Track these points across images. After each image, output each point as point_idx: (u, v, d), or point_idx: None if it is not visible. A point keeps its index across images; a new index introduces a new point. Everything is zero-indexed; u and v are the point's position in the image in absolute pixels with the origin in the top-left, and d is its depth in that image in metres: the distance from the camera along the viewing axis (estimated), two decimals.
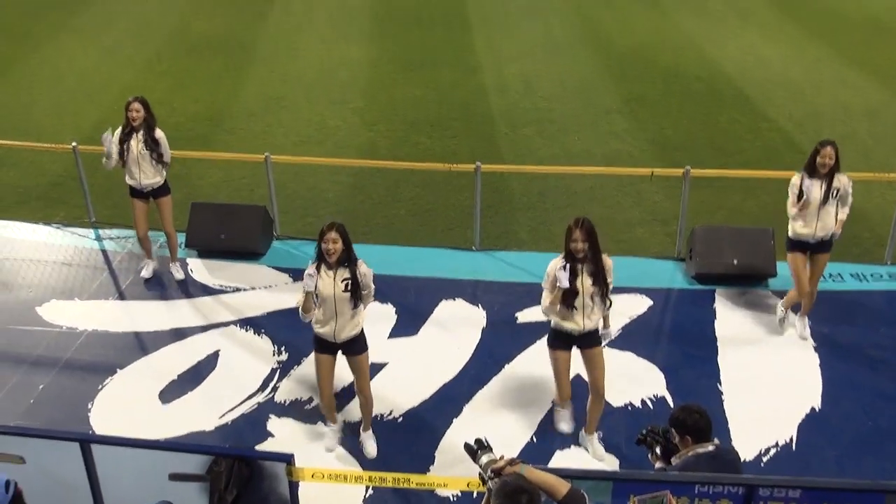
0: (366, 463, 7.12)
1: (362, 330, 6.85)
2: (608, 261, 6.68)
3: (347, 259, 6.56)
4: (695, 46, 17.37)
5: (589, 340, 6.82)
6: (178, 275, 9.63)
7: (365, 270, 6.64)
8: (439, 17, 19.53)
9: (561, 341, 6.84)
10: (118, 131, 9.02)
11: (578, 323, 6.66)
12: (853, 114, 14.06)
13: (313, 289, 6.57)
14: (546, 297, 6.69)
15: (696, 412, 5.10)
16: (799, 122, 13.74)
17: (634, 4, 20.46)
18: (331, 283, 6.55)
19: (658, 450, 5.29)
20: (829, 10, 19.95)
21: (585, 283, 6.54)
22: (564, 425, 7.33)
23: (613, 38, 17.94)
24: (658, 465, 5.31)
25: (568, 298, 6.55)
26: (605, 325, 6.97)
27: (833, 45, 17.43)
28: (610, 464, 7.10)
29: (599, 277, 6.56)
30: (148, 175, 9.03)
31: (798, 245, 8.25)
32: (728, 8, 20.10)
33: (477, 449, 4.61)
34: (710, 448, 5.05)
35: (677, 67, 16.20)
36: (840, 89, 15.11)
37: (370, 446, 7.22)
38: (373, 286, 6.76)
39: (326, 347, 6.84)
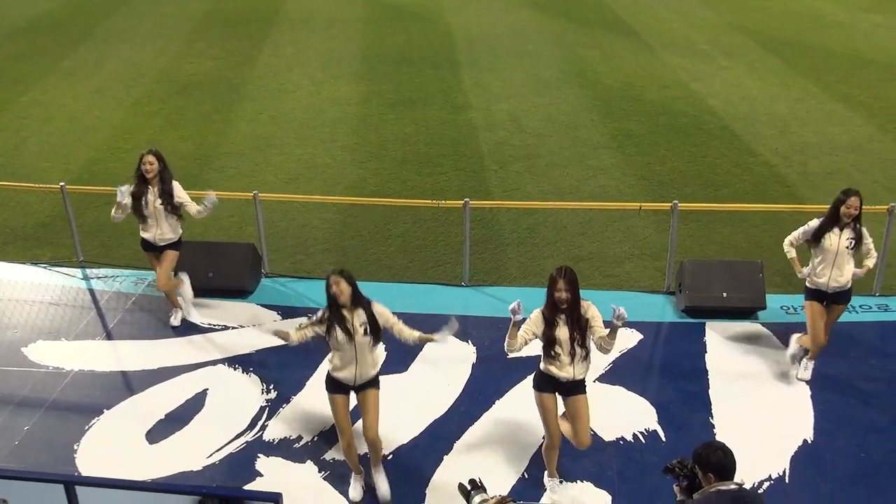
0: (355, 502, 7.03)
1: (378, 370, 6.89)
2: (594, 309, 6.60)
3: (359, 302, 6.59)
4: (681, 83, 17.54)
5: (573, 388, 6.71)
6: (174, 321, 9.49)
7: (380, 310, 6.71)
8: (428, 57, 19.70)
9: (547, 384, 6.73)
10: (130, 186, 8.82)
11: (568, 371, 6.59)
12: (839, 148, 14.18)
13: None
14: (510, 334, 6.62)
15: (719, 449, 5.02)
16: (785, 156, 13.85)
17: (621, 43, 20.69)
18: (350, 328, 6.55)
19: (684, 483, 5.22)
20: (814, 47, 20.21)
21: (566, 332, 6.50)
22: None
23: (600, 76, 18.11)
24: (680, 498, 5.24)
25: (547, 347, 6.55)
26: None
27: (818, 81, 17.63)
28: (602, 499, 7.04)
29: (581, 325, 6.50)
30: (164, 231, 8.90)
31: (814, 294, 8.15)
32: (714, 46, 20.33)
33: (471, 489, 4.59)
34: (733, 486, 4.96)
35: (664, 104, 16.35)
36: (825, 124, 15.25)
37: (382, 487, 7.08)
38: (393, 317, 6.79)
39: (342, 389, 6.80)
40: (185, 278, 9.46)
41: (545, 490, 7.08)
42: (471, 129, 15.21)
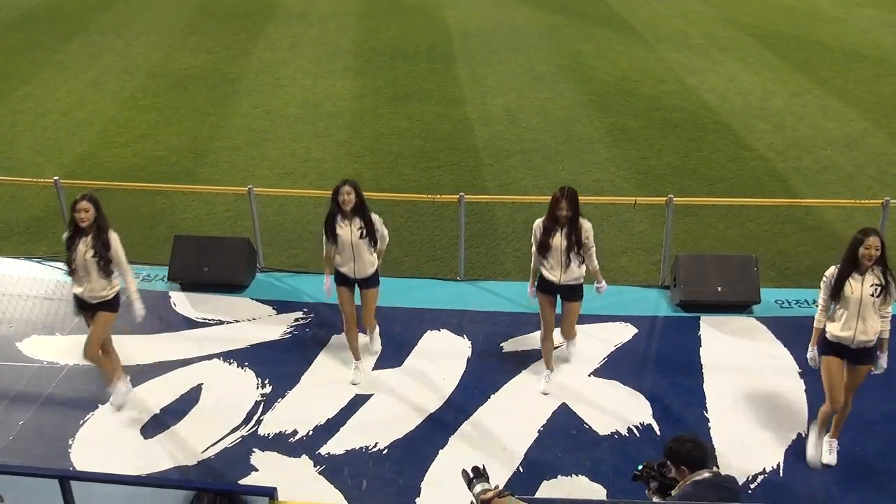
0: (350, 496, 7.04)
1: (377, 269, 8.13)
2: (587, 224, 7.72)
3: (361, 210, 7.84)
4: (676, 78, 17.55)
5: (568, 294, 7.96)
6: (116, 400, 8.08)
7: (377, 218, 8.01)
8: (423, 51, 19.67)
9: (545, 288, 7.96)
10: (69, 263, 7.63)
11: (556, 275, 7.78)
12: (833, 142, 14.19)
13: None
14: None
15: (688, 441, 5.05)
16: (780, 151, 13.86)
17: (616, 38, 20.68)
18: (348, 230, 7.86)
19: (653, 485, 5.22)
20: (809, 41, 20.22)
21: (563, 241, 7.62)
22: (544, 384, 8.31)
23: (596, 71, 18.11)
24: (655, 499, 5.24)
25: (541, 250, 7.72)
26: (599, 281, 8.11)
27: (812, 76, 17.65)
28: (597, 493, 7.05)
29: (574, 238, 7.61)
30: (95, 288, 7.59)
31: (834, 348, 7.04)
32: (709, 41, 20.33)
33: (473, 477, 4.58)
34: (707, 475, 4.98)
35: (659, 98, 16.35)
36: (820, 118, 15.27)
37: (376, 344, 8.72)
38: (385, 231, 8.13)
39: (347, 282, 8.13)
40: (121, 387, 8.10)
41: (541, 483, 7.11)
42: (466, 123, 15.20)
